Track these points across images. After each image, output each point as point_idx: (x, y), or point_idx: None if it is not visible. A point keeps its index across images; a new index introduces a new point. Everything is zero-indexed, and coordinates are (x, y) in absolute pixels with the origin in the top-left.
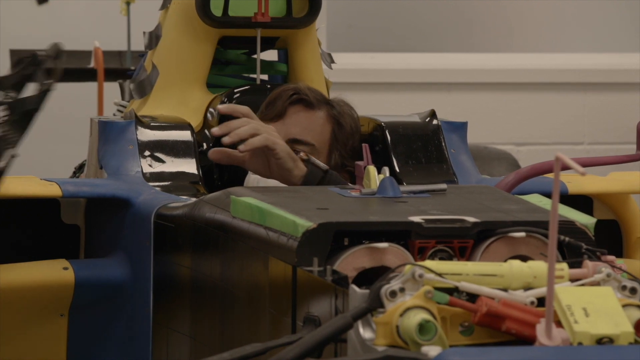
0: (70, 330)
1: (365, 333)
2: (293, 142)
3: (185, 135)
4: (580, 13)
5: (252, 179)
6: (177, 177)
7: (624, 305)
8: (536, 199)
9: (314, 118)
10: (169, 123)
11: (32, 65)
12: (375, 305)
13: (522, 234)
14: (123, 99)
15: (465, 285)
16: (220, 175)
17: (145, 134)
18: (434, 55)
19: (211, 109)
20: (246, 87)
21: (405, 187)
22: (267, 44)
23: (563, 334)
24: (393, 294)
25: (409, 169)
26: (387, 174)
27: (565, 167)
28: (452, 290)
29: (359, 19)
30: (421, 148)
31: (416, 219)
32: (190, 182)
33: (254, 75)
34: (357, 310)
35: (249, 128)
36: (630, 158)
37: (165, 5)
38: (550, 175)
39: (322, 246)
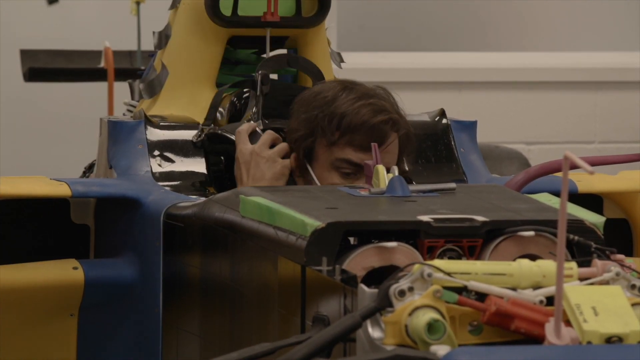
0: (80, 330)
1: (374, 332)
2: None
3: (194, 135)
4: (591, 12)
5: None
6: (187, 176)
7: (633, 304)
8: (545, 198)
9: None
10: (179, 123)
11: None
12: (384, 304)
13: (531, 233)
14: (133, 98)
15: (474, 285)
16: (230, 174)
17: (155, 134)
18: (445, 55)
19: (220, 109)
20: None
21: (414, 187)
22: (277, 44)
23: (572, 333)
24: (402, 293)
25: (418, 168)
26: (396, 173)
27: (574, 166)
28: (461, 290)
29: (370, 19)
30: (431, 147)
31: (425, 218)
32: (200, 181)
33: None
34: (366, 310)
35: None
36: None
37: (174, 5)
38: (560, 174)
39: (331, 246)
